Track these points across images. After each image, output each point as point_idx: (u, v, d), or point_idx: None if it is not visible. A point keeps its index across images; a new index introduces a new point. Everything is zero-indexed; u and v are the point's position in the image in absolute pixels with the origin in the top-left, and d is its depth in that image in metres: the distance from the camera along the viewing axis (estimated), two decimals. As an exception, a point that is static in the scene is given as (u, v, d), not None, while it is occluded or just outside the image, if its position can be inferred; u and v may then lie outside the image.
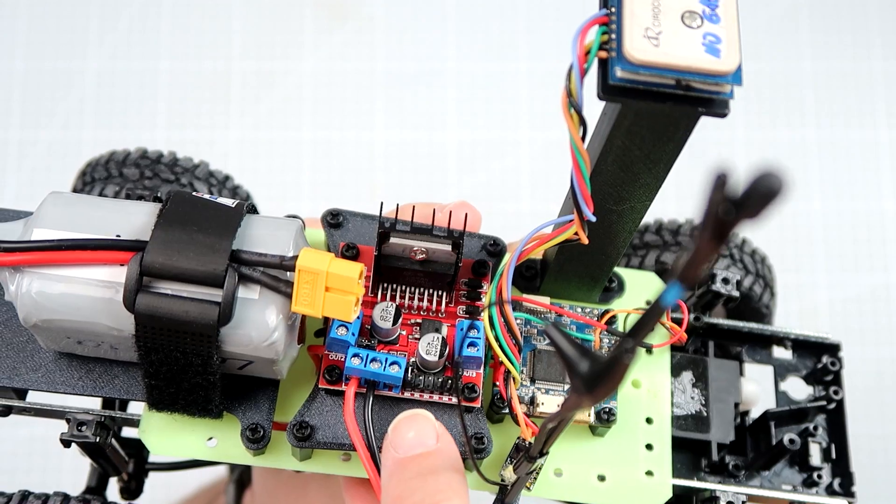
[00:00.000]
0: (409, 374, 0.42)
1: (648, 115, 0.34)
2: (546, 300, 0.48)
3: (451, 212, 0.43)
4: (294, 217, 0.47)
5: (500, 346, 0.43)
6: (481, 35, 1.13)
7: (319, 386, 0.42)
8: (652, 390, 0.49)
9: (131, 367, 0.44)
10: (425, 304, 0.45)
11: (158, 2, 1.12)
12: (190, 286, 0.38)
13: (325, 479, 0.59)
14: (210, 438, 0.45)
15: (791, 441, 0.48)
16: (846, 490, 0.50)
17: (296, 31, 1.11)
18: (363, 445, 0.40)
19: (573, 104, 0.34)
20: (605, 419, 0.45)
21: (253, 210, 0.42)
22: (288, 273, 0.39)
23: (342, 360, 0.42)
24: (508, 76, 1.11)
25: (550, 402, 0.45)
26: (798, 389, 0.53)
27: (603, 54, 0.33)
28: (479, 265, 0.46)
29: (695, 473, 0.50)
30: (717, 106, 0.33)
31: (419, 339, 0.43)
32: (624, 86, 0.33)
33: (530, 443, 0.43)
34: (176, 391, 0.41)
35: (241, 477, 0.72)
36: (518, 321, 0.46)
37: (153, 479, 0.60)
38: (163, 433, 0.44)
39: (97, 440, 0.44)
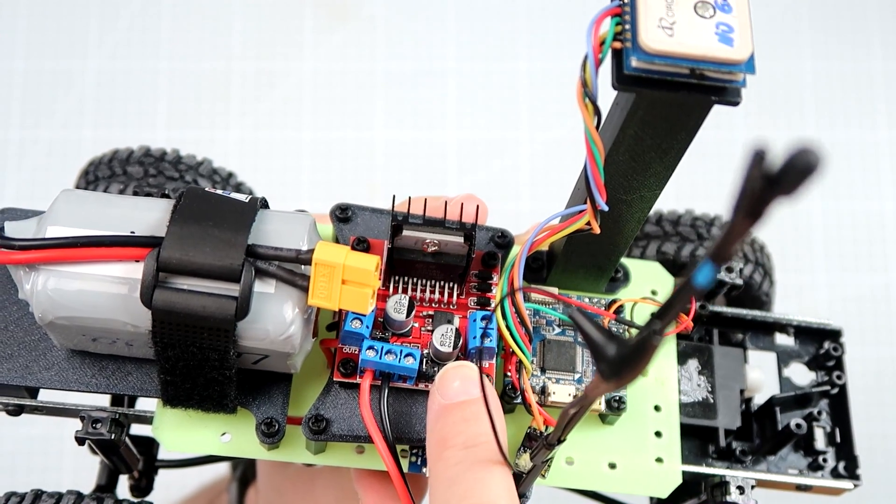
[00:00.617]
0: (424, 366, 0.42)
1: (662, 104, 0.35)
2: (554, 290, 0.48)
3: (461, 205, 0.43)
4: (301, 211, 0.48)
5: (513, 337, 0.43)
6: (481, 35, 1.13)
7: (334, 379, 0.43)
8: (659, 378, 0.49)
9: (144, 364, 0.44)
10: (437, 295, 0.45)
11: (158, 2, 1.12)
12: (206, 281, 0.38)
13: (332, 474, 0.59)
14: (224, 434, 0.45)
15: (798, 426, 0.48)
16: (851, 473, 0.50)
17: (296, 31, 1.11)
18: (380, 437, 0.40)
19: (588, 94, 0.34)
20: (616, 407, 0.46)
21: (265, 205, 0.42)
22: (303, 267, 0.39)
23: (356, 353, 0.43)
24: (508, 76, 1.11)
25: (561, 392, 0.46)
26: (801, 375, 0.54)
27: (617, 45, 0.34)
28: (488, 257, 0.46)
29: (703, 459, 0.50)
30: (729, 94, 0.34)
31: (432, 331, 0.43)
32: (639, 75, 0.33)
33: (541, 432, 0.44)
34: (192, 387, 0.41)
35: (245, 475, 0.72)
36: (527, 312, 0.46)
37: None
38: (177, 429, 0.44)
39: (112, 437, 0.44)
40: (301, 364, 0.43)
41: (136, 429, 0.54)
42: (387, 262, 0.44)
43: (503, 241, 0.48)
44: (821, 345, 0.54)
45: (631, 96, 0.35)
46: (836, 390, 0.52)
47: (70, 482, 0.96)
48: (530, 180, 1.06)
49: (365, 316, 0.42)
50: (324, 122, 1.08)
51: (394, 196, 0.42)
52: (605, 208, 0.39)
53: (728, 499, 0.47)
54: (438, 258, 0.43)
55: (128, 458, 0.48)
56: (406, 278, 0.45)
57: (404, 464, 0.45)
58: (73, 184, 0.60)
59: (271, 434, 0.43)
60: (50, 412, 0.46)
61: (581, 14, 1.14)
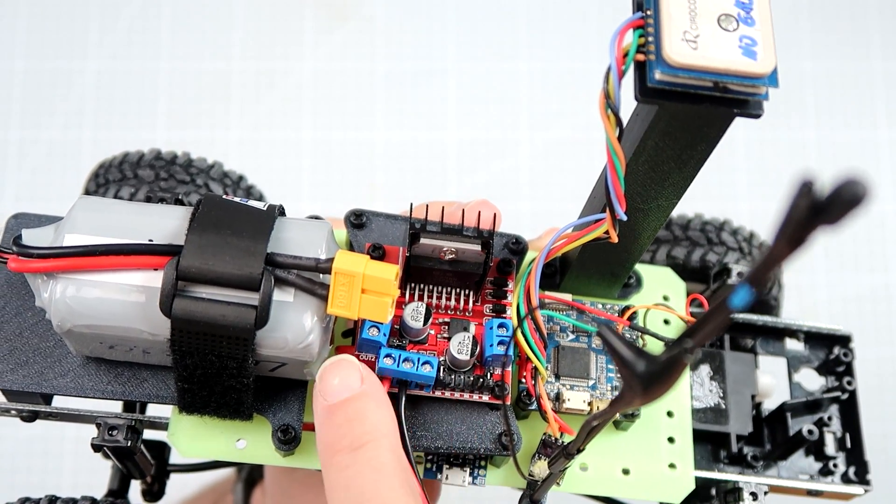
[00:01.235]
0: (441, 373, 0.43)
1: (684, 116, 0.35)
2: (568, 297, 0.48)
3: (479, 212, 0.43)
4: (317, 218, 0.48)
5: (528, 344, 0.44)
6: (481, 35, 1.13)
7: (351, 386, 0.43)
8: (679, 383, 0.49)
9: (160, 371, 0.44)
10: (453, 303, 0.45)
11: (158, 2, 1.12)
12: (226, 290, 0.38)
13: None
14: (239, 440, 0.45)
15: (810, 432, 0.49)
16: (861, 478, 0.51)
17: (296, 31, 1.10)
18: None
19: (611, 106, 0.34)
20: (630, 414, 0.46)
21: (282, 212, 0.42)
22: (322, 275, 0.39)
23: (373, 360, 0.43)
24: (508, 76, 1.11)
25: (576, 399, 0.46)
26: (811, 380, 0.54)
27: (640, 57, 0.34)
28: (504, 264, 0.46)
29: (714, 465, 0.51)
30: (752, 107, 0.34)
31: (449, 339, 0.44)
32: (662, 88, 0.33)
33: (556, 438, 0.44)
34: (209, 394, 0.41)
35: (251, 475, 0.72)
36: (542, 318, 0.46)
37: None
38: (192, 436, 0.44)
39: (129, 444, 0.44)
40: (318, 371, 0.43)
41: (148, 432, 0.54)
42: (403, 269, 0.44)
43: (517, 247, 0.48)
44: (830, 350, 0.54)
45: (653, 108, 0.35)
46: (846, 395, 0.53)
47: (70, 483, 0.96)
48: (530, 180, 1.06)
49: (382, 324, 0.42)
50: (324, 122, 1.08)
51: (411, 204, 0.42)
52: (624, 218, 0.39)
53: (741, 504, 0.47)
54: (455, 266, 0.43)
55: (142, 464, 0.48)
56: (422, 285, 0.45)
57: (420, 470, 0.46)
58: (82, 186, 0.60)
59: (287, 441, 0.43)
60: (64, 418, 0.46)
61: (581, 15, 1.14)
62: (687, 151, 0.37)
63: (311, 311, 0.39)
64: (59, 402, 0.46)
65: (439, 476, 0.46)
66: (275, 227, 0.40)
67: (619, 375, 0.45)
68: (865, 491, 0.50)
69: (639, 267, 0.51)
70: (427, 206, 0.43)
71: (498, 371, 0.43)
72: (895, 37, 1.14)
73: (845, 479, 0.51)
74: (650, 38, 0.34)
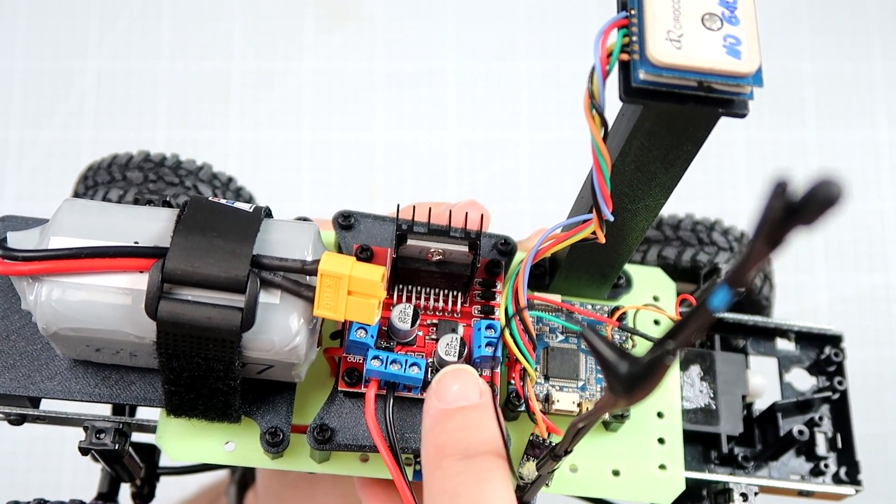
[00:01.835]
0: (429, 375, 0.42)
1: (669, 116, 0.35)
2: (557, 298, 0.48)
3: (466, 213, 0.43)
4: (304, 219, 0.47)
5: (517, 345, 0.43)
6: (481, 35, 1.13)
7: (339, 388, 0.43)
8: (662, 385, 0.49)
9: (148, 373, 0.44)
10: (441, 304, 0.45)
11: (158, 2, 1.12)
12: (211, 292, 0.38)
13: (333, 481, 0.59)
14: (227, 443, 0.45)
15: (800, 432, 0.49)
16: (852, 478, 0.51)
17: (296, 31, 1.10)
18: (386, 447, 0.40)
19: (595, 106, 0.34)
20: (620, 415, 0.46)
21: (269, 214, 0.42)
22: (308, 277, 0.39)
23: (361, 362, 0.42)
24: (508, 76, 1.11)
25: (565, 400, 0.46)
26: (802, 380, 0.54)
27: (625, 56, 0.34)
28: (492, 265, 0.46)
29: (705, 466, 0.50)
30: (737, 106, 0.34)
31: (436, 340, 0.43)
32: (646, 88, 0.33)
33: (544, 439, 0.44)
34: (196, 397, 0.41)
35: (244, 478, 0.72)
36: (531, 319, 0.46)
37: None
38: (180, 439, 0.44)
39: (116, 447, 0.44)
40: (305, 373, 0.43)
41: (138, 435, 0.54)
42: (391, 270, 0.44)
43: (506, 248, 0.48)
44: (822, 350, 0.54)
45: (638, 108, 0.35)
46: (837, 396, 0.53)
47: (70, 482, 0.96)
48: (530, 180, 1.06)
49: (370, 326, 0.42)
50: (324, 123, 1.08)
51: (398, 205, 0.42)
52: (611, 219, 0.39)
53: (731, 505, 0.47)
54: (443, 267, 0.43)
55: (131, 467, 0.48)
56: (410, 287, 0.45)
57: (409, 472, 0.45)
58: (72, 188, 0.60)
59: (276, 444, 0.43)
60: (52, 421, 0.46)
61: (581, 15, 1.14)
62: (673, 151, 0.37)
63: (297, 313, 0.39)
64: (47, 405, 0.46)
65: (428, 478, 0.46)
66: (261, 228, 0.39)
67: (594, 357, 0.45)
68: (857, 491, 0.50)
69: (629, 267, 0.51)
70: (414, 207, 0.43)
71: (486, 372, 0.43)
72: (895, 37, 1.14)
73: (836, 479, 0.51)
74: (634, 38, 0.34)
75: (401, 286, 0.45)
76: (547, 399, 0.46)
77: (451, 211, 0.43)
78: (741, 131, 1.10)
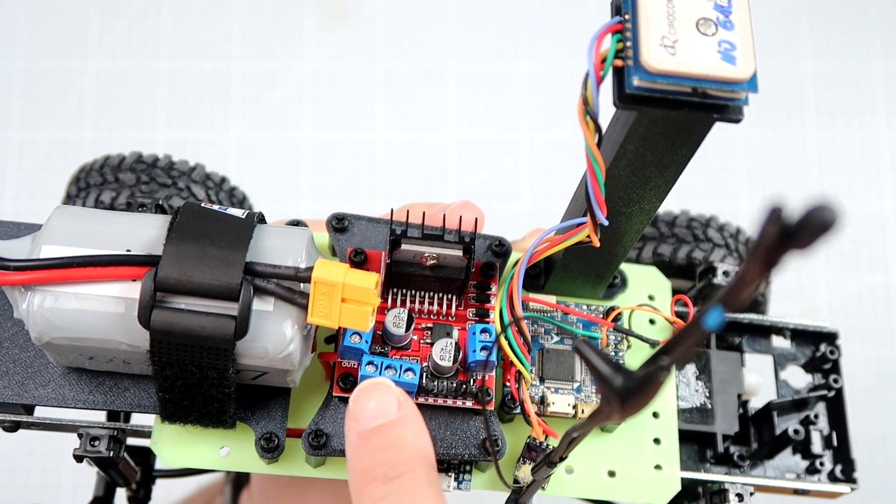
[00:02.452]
0: (423, 380, 0.42)
1: (663, 121, 0.35)
2: (552, 299, 0.48)
3: (461, 217, 0.43)
4: (298, 222, 0.47)
5: (512, 348, 0.43)
6: (481, 35, 1.12)
7: (334, 394, 0.42)
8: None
9: (142, 380, 0.44)
10: (435, 307, 0.45)
11: (158, 2, 1.11)
12: (205, 300, 0.37)
13: (327, 482, 0.59)
14: (222, 448, 0.44)
15: (796, 431, 0.49)
16: (848, 476, 0.51)
17: (296, 31, 1.10)
18: (381, 452, 0.40)
19: (589, 112, 0.34)
20: (615, 416, 0.46)
21: (262, 220, 0.42)
22: (302, 284, 0.39)
23: (356, 367, 0.42)
24: (508, 76, 1.10)
25: (561, 402, 0.45)
26: (797, 377, 0.54)
27: (619, 62, 0.33)
28: (487, 267, 0.46)
29: (701, 465, 0.50)
30: (731, 112, 0.34)
31: (431, 344, 0.43)
32: (640, 94, 0.33)
33: (541, 442, 0.44)
34: (190, 404, 0.41)
35: (239, 478, 0.72)
36: (526, 321, 0.46)
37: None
38: (175, 444, 0.44)
39: (111, 454, 0.43)
40: (300, 378, 0.43)
41: (133, 438, 0.54)
42: (385, 275, 0.44)
43: (501, 249, 0.47)
44: (817, 347, 0.54)
45: (632, 113, 0.35)
46: (832, 394, 0.53)
47: (70, 482, 0.96)
48: (530, 180, 1.06)
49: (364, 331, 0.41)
50: (324, 123, 1.07)
51: (392, 209, 0.42)
52: (606, 223, 0.39)
53: (727, 505, 0.47)
54: (437, 271, 0.43)
55: (126, 472, 0.47)
56: (404, 290, 0.45)
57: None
58: (64, 190, 0.59)
59: (271, 449, 0.43)
60: (46, 428, 0.46)
61: (581, 15, 1.13)
62: (668, 156, 0.37)
63: (291, 320, 0.39)
64: (41, 412, 0.46)
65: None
66: (254, 234, 0.39)
67: (588, 370, 0.45)
68: (852, 489, 0.50)
69: (624, 266, 0.51)
70: (408, 211, 0.42)
71: (482, 376, 0.43)
72: (895, 37, 1.13)
73: (832, 477, 0.51)
74: (628, 44, 0.33)
75: (395, 290, 0.45)
76: (542, 401, 0.46)
77: (444, 215, 0.43)
78: (741, 131, 1.10)
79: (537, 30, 1.13)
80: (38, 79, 1.08)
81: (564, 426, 0.45)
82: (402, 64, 1.10)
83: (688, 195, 1.00)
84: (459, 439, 0.43)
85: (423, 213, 0.43)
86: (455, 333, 0.44)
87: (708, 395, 0.51)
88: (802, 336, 0.55)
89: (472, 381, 0.43)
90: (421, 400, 0.42)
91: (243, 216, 0.40)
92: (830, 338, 0.54)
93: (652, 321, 0.50)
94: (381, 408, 0.37)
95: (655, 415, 0.48)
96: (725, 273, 0.52)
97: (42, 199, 1.04)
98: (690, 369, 0.52)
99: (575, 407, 0.45)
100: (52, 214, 0.40)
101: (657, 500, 0.47)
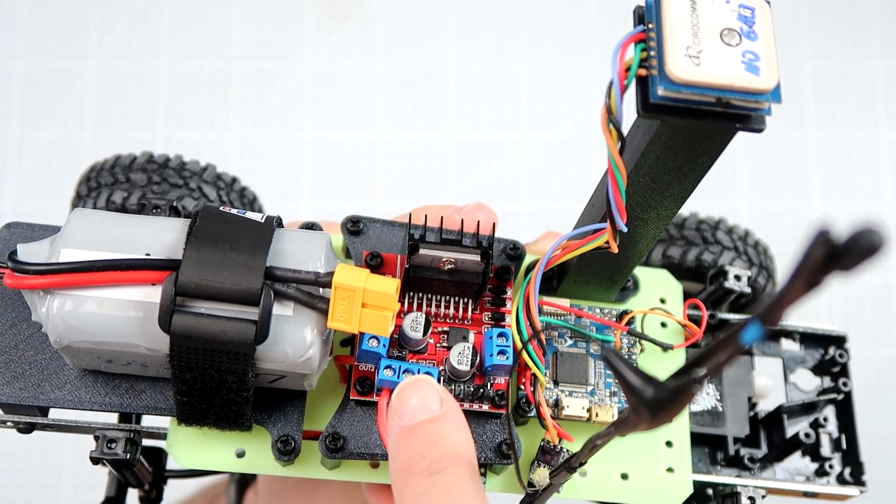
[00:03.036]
0: (441, 384, 0.42)
1: (686, 131, 0.35)
2: (566, 302, 0.48)
3: (477, 221, 0.43)
4: (312, 225, 0.47)
5: (528, 352, 0.43)
6: (481, 35, 1.12)
7: (351, 397, 0.43)
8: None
9: (158, 382, 0.44)
10: (451, 311, 0.45)
11: (158, 2, 1.11)
12: (225, 305, 0.37)
13: (336, 483, 0.59)
14: (238, 450, 0.45)
15: (807, 435, 0.49)
16: (857, 479, 0.51)
17: (296, 31, 1.10)
18: (399, 456, 0.40)
19: (613, 120, 0.34)
20: (629, 420, 0.46)
21: (279, 224, 0.42)
22: (321, 289, 0.39)
23: (373, 370, 0.43)
24: (508, 76, 1.10)
25: (575, 405, 0.46)
26: (806, 380, 0.55)
27: (642, 72, 0.34)
28: (502, 271, 0.46)
29: (712, 468, 0.51)
30: (754, 122, 0.34)
31: (448, 348, 0.43)
32: (665, 103, 0.33)
33: (555, 445, 0.44)
34: (208, 407, 0.41)
35: (243, 477, 0.72)
36: (540, 325, 0.46)
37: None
38: (191, 446, 0.44)
39: (127, 457, 0.44)
40: (317, 381, 0.43)
41: (145, 438, 0.54)
42: (402, 279, 0.44)
43: (515, 252, 0.48)
44: (826, 351, 0.54)
45: (655, 122, 0.35)
46: (841, 397, 0.53)
47: (70, 482, 0.95)
48: (530, 181, 1.06)
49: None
50: (324, 122, 1.07)
51: (410, 214, 0.42)
52: (625, 230, 0.39)
53: (738, 509, 0.47)
54: (454, 275, 0.43)
55: (140, 473, 0.48)
56: (420, 294, 0.45)
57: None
58: (74, 188, 0.59)
59: (287, 452, 0.43)
60: (61, 429, 0.46)
61: (581, 15, 1.13)
62: (688, 164, 0.37)
63: (311, 324, 0.39)
64: (56, 413, 0.46)
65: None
66: (273, 239, 0.39)
67: (617, 381, 0.45)
68: (861, 492, 0.51)
69: (635, 269, 0.51)
70: (426, 215, 0.42)
71: (499, 381, 0.43)
72: (895, 37, 1.14)
73: (841, 479, 0.51)
74: (652, 53, 0.33)
75: (411, 293, 0.45)
76: (556, 404, 0.46)
77: (462, 220, 0.43)
78: (741, 132, 1.10)
79: (537, 30, 1.13)
80: (38, 79, 1.08)
81: (578, 429, 0.46)
82: (402, 64, 1.10)
83: (692, 197, 1.00)
84: (476, 443, 0.43)
85: (441, 217, 0.43)
86: (471, 337, 0.44)
87: (719, 397, 0.51)
88: (811, 339, 0.55)
89: (488, 384, 0.43)
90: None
91: (262, 220, 0.40)
92: (839, 341, 0.54)
93: (664, 324, 0.51)
94: (424, 404, 0.37)
95: (667, 418, 0.49)
96: (737, 277, 0.52)
97: (42, 199, 1.03)
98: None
99: (589, 410, 0.46)
100: (71, 217, 0.40)
101: (669, 502, 0.47)
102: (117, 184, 0.56)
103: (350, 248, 0.47)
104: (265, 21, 1.10)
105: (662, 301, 0.51)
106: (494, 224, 0.43)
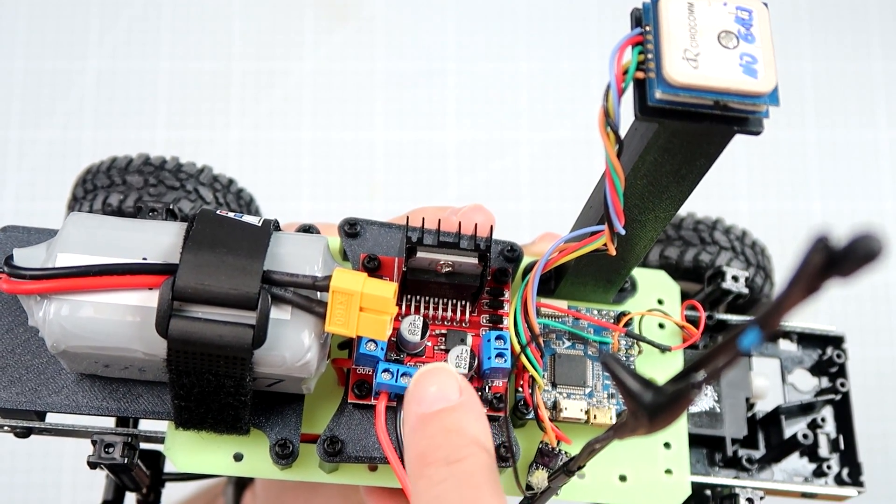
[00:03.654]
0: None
1: (684, 133, 0.35)
2: (563, 304, 0.48)
3: (475, 223, 0.43)
4: (309, 227, 0.47)
5: (526, 355, 0.43)
6: (481, 35, 1.12)
7: (349, 401, 0.42)
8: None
9: (155, 386, 0.44)
10: (449, 314, 0.45)
11: (158, 2, 1.11)
12: (222, 309, 0.37)
13: (335, 485, 0.59)
14: (236, 454, 0.44)
15: (805, 436, 0.49)
16: (855, 479, 0.51)
17: (296, 31, 1.09)
18: (397, 458, 0.40)
19: (610, 123, 0.34)
20: (627, 422, 0.46)
21: (276, 227, 0.42)
22: (319, 293, 0.39)
23: (370, 374, 0.42)
24: (508, 76, 1.10)
25: (573, 407, 0.46)
26: (804, 381, 0.55)
27: (640, 74, 0.34)
28: (500, 273, 0.46)
29: (710, 469, 0.51)
30: (752, 124, 0.34)
31: (446, 351, 0.43)
32: (662, 106, 0.33)
33: (553, 448, 0.44)
34: (206, 411, 0.41)
35: (241, 479, 0.72)
36: (538, 327, 0.46)
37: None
38: (189, 450, 0.44)
39: (125, 461, 0.43)
40: (315, 385, 0.43)
41: (144, 443, 0.54)
42: (399, 282, 0.44)
43: (512, 254, 0.48)
44: (824, 351, 0.54)
45: (652, 125, 0.35)
46: (839, 397, 0.53)
47: (70, 482, 0.95)
48: (530, 180, 1.06)
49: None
50: (324, 122, 1.07)
51: (407, 217, 0.42)
52: (623, 233, 0.39)
53: (737, 510, 0.47)
54: (452, 278, 0.43)
55: (138, 477, 0.47)
56: (418, 297, 0.45)
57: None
58: (69, 191, 0.59)
59: (285, 455, 0.43)
60: (58, 434, 0.46)
61: (581, 15, 1.13)
62: (686, 166, 0.37)
63: (308, 328, 0.39)
64: (53, 418, 0.46)
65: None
66: (270, 243, 0.39)
67: (615, 386, 0.45)
68: (859, 492, 0.51)
69: (633, 271, 0.51)
70: (423, 217, 0.42)
71: (497, 383, 0.43)
72: (895, 37, 1.14)
73: (839, 480, 0.51)
74: (650, 56, 0.33)
75: (408, 296, 0.45)
76: (554, 407, 0.46)
77: (459, 223, 0.43)
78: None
79: (537, 30, 1.13)
80: (38, 79, 1.08)
81: (576, 431, 0.46)
82: (402, 64, 1.10)
83: (689, 198, 1.00)
84: (474, 446, 0.43)
85: (439, 220, 0.43)
86: (469, 340, 0.44)
87: (716, 398, 0.51)
88: (809, 339, 0.55)
89: (487, 387, 0.43)
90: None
91: (259, 223, 0.40)
92: (837, 341, 0.54)
93: (661, 325, 0.51)
94: (443, 392, 0.36)
95: (665, 419, 0.49)
96: (734, 278, 0.52)
97: (42, 199, 1.03)
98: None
99: (587, 412, 0.46)
100: (67, 222, 0.40)
101: (668, 504, 0.47)
102: (113, 186, 0.55)
103: (347, 251, 0.47)
104: (265, 21, 1.10)
105: (660, 302, 0.51)
106: (492, 226, 0.43)
